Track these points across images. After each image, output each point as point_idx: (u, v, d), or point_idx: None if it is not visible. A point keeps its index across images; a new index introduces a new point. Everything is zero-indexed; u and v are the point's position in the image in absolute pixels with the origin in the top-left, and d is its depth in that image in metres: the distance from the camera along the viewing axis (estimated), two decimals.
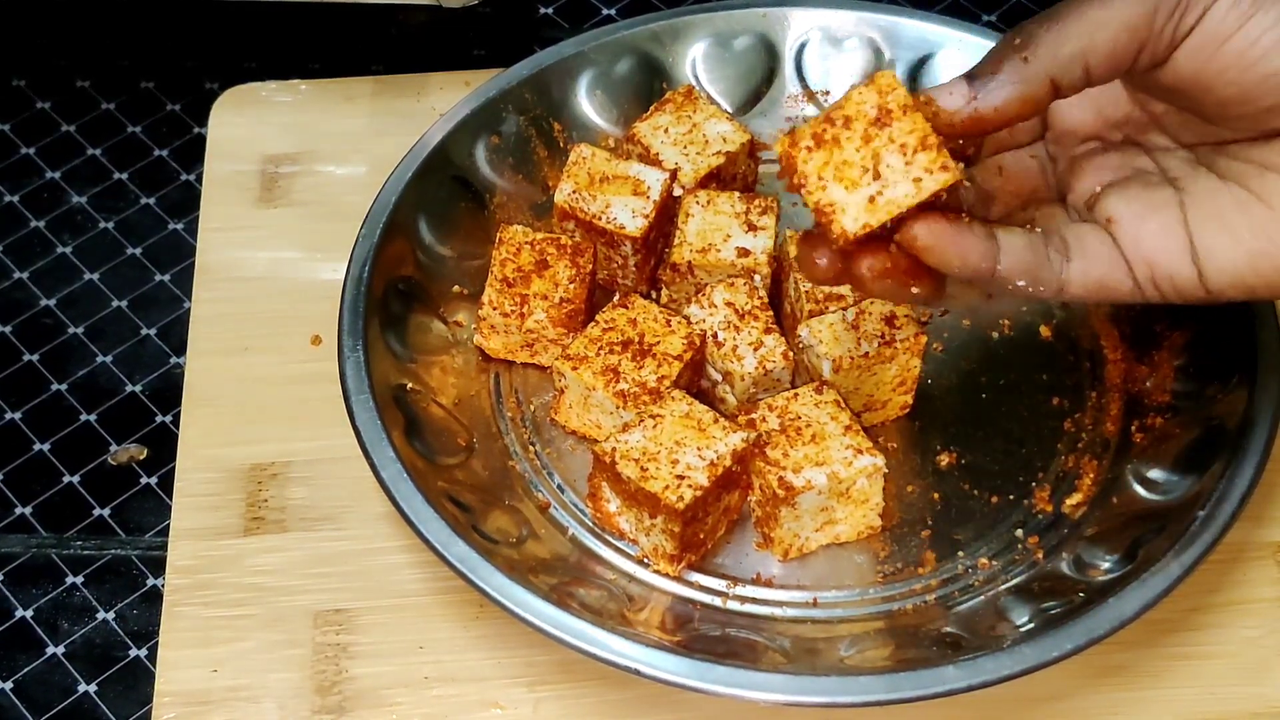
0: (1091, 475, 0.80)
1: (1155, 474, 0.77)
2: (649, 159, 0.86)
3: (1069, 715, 0.74)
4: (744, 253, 0.82)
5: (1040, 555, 0.77)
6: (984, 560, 0.77)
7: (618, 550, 0.78)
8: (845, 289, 0.81)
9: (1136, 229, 0.63)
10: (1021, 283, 0.63)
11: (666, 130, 0.87)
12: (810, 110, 0.94)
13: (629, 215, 0.83)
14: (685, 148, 0.86)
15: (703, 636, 0.73)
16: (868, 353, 0.78)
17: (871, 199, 0.60)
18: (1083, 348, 0.85)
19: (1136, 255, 0.63)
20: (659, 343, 0.79)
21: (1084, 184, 0.67)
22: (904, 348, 0.78)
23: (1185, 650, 0.76)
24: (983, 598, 0.75)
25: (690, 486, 0.73)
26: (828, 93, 0.93)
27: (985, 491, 0.80)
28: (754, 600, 0.76)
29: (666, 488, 0.73)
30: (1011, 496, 0.80)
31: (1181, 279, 0.62)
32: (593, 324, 0.80)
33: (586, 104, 0.91)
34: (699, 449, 0.74)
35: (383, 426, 0.75)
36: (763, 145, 0.92)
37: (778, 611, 0.76)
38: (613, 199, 0.84)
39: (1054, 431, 0.82)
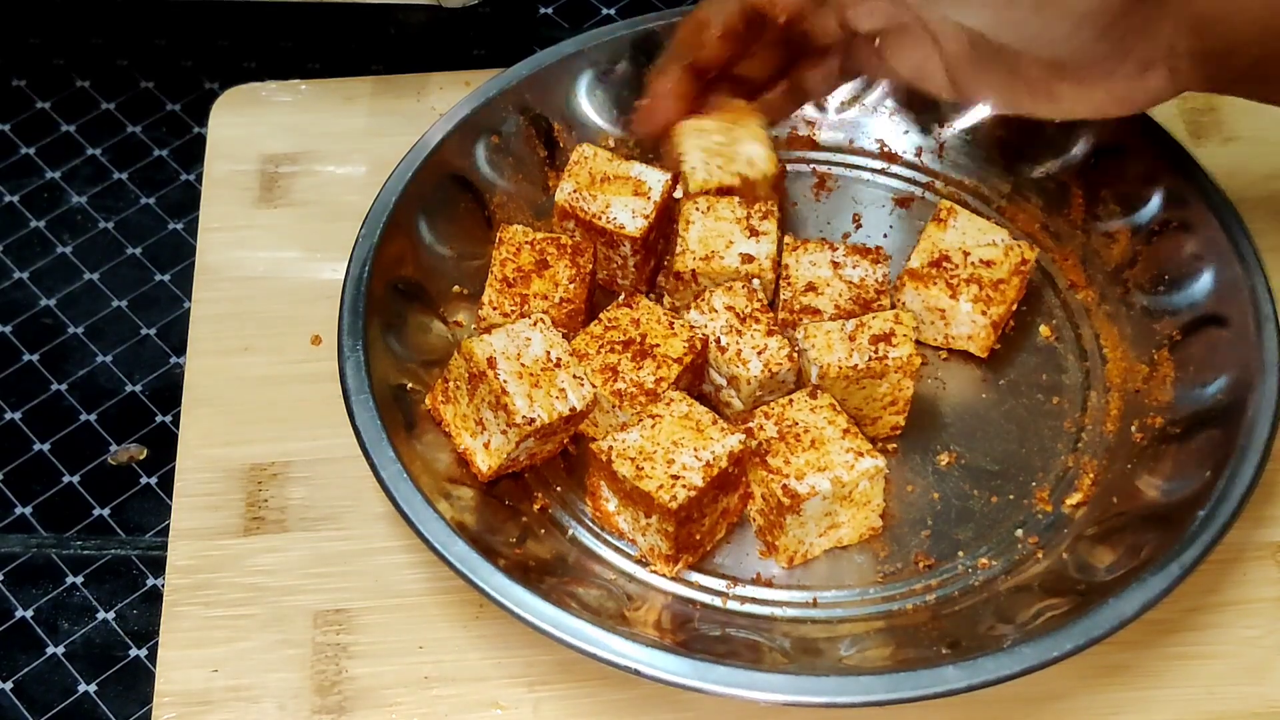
0: (1091, 475, 0.80)
1: (1155, 474, 0.77)
2: (671, 154, 0.86)
3: (1070, 715, 0.74)
4: (748, 259, 0.82)
5: (1040, 555, 0.77)
6: (984, 560, 0.77)
7: (617, 550, 0.78)
8: (823, 304, 0.81)
9: (919, 81, 0.80)
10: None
11: (706, 132, 0.86)
12: (806, 108, 0.93)
13: (629, 215, 0.83)
14: (712, 156, 0.86)
15: (703, 636, 0.73)
16: (857, 365, 0.77)
17: None
18: (1083, 347, 0.85)
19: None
20: (660, 345, 0.79)
21: (863, 26, 0.81)
22: (895, 366, 0.78)
23: (1185, 650, 0.76)
24: (982, 598, 0.75)
25: (685, 486, 0.73)
26: None
27: (985, 491, 0.80)
28: (754, 600, 0.76)
29: (660, 487, 0.73)
30: (1011, 496, 0.80)
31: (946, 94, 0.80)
32: (596, 321, 0.80)
33: (587, 104, 0.91)
34: (695, 449, 0.74)
35: (382, 426, 0.75)
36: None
37: (778, 611, 0.76)
38: (613, 199, 0.84)
39: (1054, 431, 0.82)
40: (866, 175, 0.93)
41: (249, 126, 0.97)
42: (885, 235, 0.90)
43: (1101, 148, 0.88)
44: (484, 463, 0.77)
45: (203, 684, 0.76)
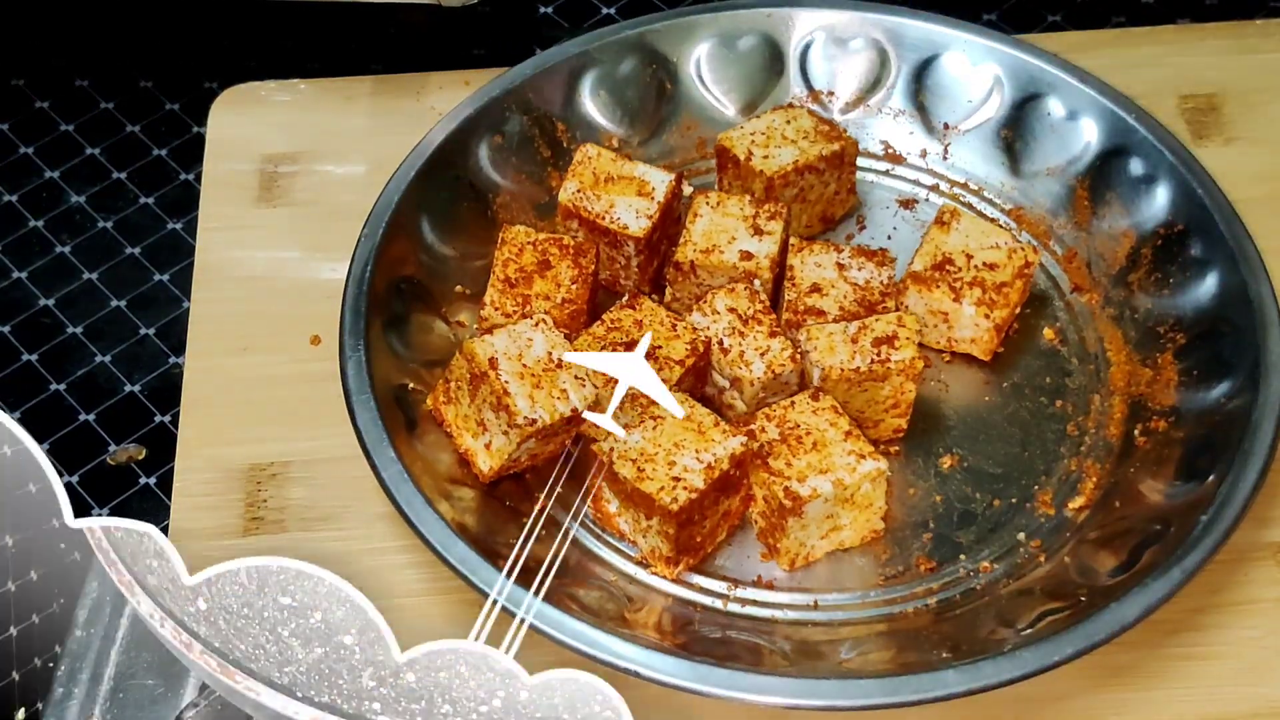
0: (1094, 479, 0.80)
1: (1158, 478, 0.77)
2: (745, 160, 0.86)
3: (1071, 715, 0.74)
4: (747, 256, 0.82)
5: (1042, 558, 0.77)
6: (986, 564, 0.77)
7: (618, 551, 0.78)
8: (828, 305, 0.81)
9: None
10: None
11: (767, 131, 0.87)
12: (815, 110, 0.93)
13: (632, 216, 0.83)
14: (795, 141, 0.86)
15: (704, 638, 0.73)
16: (859, 367, 0.77)
17: None
18: (1087, 351, 0.85)
19: None
20: (662, 346, 0.79)
21: None
22: (898, 368, 0.78)
23: (1187, 651, 0.76)
24: (984, 601, 0.75)
25: (685, 489, 0.73)
26: (833, 93, 0.93)
27: (987, 494, 0.80)
28: (755, 603, 0.76)
29: (662, 489, 0.73)
30: (1014, 500, 0.80)
31: None
32: (598, 323, 0.80)
33: (590, 104, 0.91)
34: (697, 452, 0.74)
35: (384, 427, 0.75)
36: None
37: (779, 614, 0.76)
38: (617, 199, 0.84)
39: (1057, 435, 0.82)
40: (871, 177, 0.92)
41: (248, 126, 0.97)
42: (889, 237, 0.90)
43: (1106, 150, 0.88)
44: (485, 463, 0.77)
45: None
